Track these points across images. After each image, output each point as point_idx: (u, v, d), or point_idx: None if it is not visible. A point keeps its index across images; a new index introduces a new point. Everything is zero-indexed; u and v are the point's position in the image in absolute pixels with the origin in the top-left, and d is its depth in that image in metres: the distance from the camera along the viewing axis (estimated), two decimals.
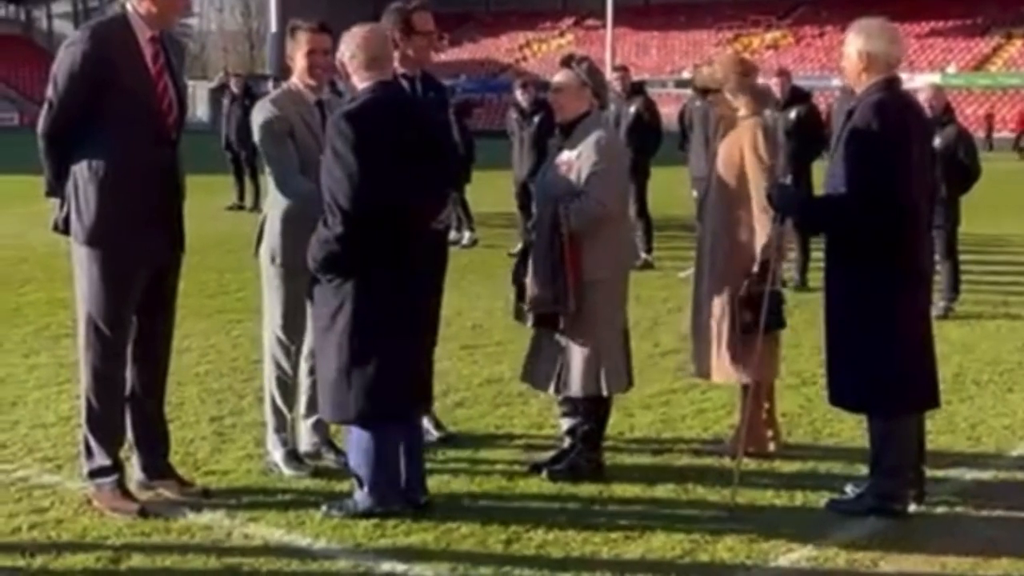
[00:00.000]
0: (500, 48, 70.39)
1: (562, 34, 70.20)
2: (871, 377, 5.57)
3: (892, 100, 5.57)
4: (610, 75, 14.92)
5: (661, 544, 5.19)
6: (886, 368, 5.52)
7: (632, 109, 13.64)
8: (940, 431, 6.98)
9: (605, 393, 5.97)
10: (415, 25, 6.18)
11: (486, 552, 5.09)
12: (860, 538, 5.30)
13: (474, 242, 15.21)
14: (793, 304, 11.14)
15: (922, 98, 11.01)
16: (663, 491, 5.86)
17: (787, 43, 62.89)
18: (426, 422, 6.45)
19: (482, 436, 6.75)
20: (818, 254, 12.24)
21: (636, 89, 14.16)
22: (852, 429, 6.99)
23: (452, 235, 15.30)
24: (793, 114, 11.96)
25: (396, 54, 6.05)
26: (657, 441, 6.69)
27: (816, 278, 11.99)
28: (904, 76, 6.12)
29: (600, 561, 5.02)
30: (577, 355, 5.90)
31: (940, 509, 5.76)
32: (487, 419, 7.10)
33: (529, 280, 5.90)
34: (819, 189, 12.00)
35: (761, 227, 6.18)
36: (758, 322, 6.00)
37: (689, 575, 4.89)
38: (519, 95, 15.33)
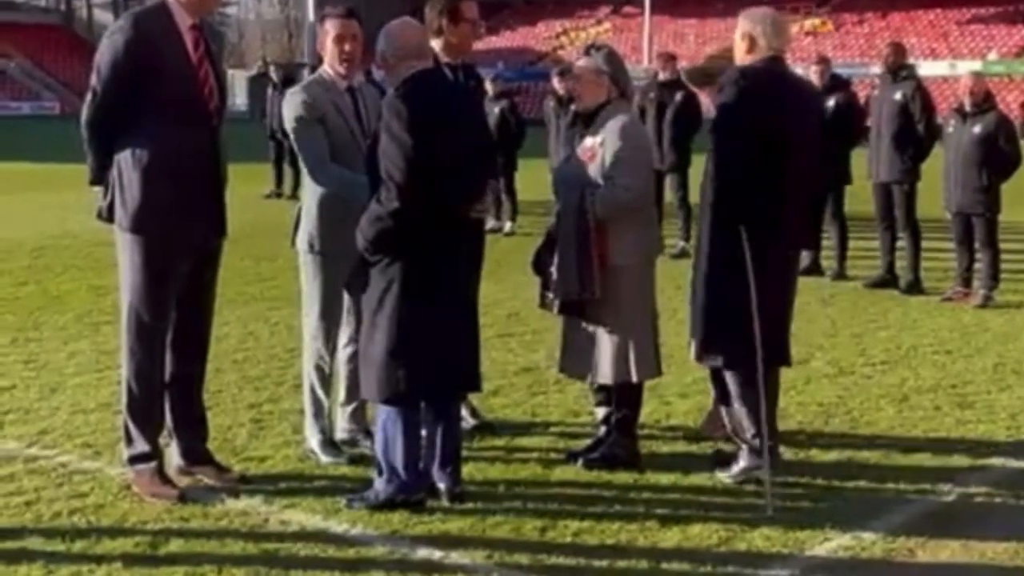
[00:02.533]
0: (537, 36, 70.28)
1: (599, 22, 70.02)
2: (730, 336, 5.69)
3: (758, 72, 5.75)
4: (653, 63, 14.89)
5: (698, 532, 5.18)
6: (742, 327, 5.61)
7: (677, 97, 13.61)
8: (979, 420, 6.94)
9: (635, 379, 5.95)
10: (462, 13, 6.17)
11: (522, 539, 5.10)
12: (897, 527, 5.28)
13: (512, 232, 15.21)
14: (830, 293, 11.16)
15: (962, 85, 10.96)
16: (700, 479, 5.85)
17: (826, 30, 62.39)
18: (462, 410, 6.48)
19: (518, 424, 6.76)
20: (856, 243, 12.26)
21: (677, 78, 14.10)
22: (890, 418, 6.96)
23: (492, 223, 15.34)
24: (832, 102, 11.89)
25: (439, 42, 6.08)
26: (694, 429, 6.67)
27: (854, 267, 11.99)
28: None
29: (636, 549, 5.02)
30: (605, 342, 5.89)
31: (978, 498, 5.73)
32: (523, 407, 7.11)
33: (555, 268, 5.89)
34: (859, 176, 11.98)
35: None
36: None
37: (726, 563, 4.88)
38: (556, 83, 15.31)
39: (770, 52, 5.82)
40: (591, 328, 5.92)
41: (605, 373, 5.92)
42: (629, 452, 6.02)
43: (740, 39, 5.89)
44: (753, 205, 5.63)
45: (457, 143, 5.34)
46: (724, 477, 5.83)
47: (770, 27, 5.85)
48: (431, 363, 5.35)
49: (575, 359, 6.04)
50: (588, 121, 6.01)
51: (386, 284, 5.33)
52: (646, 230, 6.05)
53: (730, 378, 5.81)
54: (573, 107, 6.35)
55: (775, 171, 5.68)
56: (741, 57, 5.90)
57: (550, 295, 5.98)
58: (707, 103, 15.81)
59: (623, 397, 6.00)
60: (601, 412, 6.13)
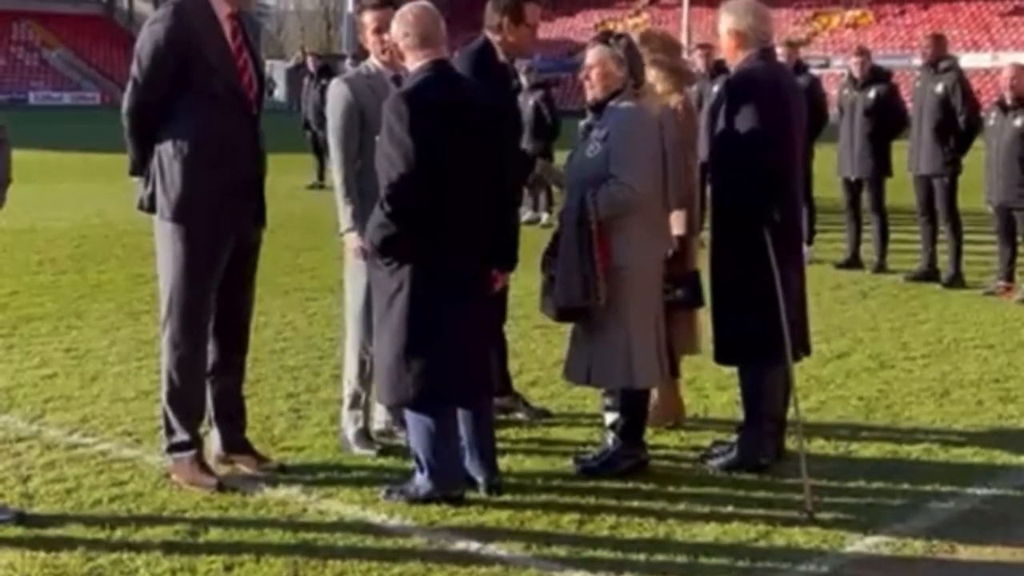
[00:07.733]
0: (575, 28, 70.09)
1: (638, 13, 69.76)
2: (748, 331, 5.74)
3: (765, 68, 5.79)
4: (691, 54, 14.80)
5: (736, 527, 5.15)
6: (762, 322, 5.63)
7: (715, 89, 13.48)
8: (1023, 415, 6.87)
9: (637, 385, 5.74)
10: (525, 16, 6.22)
11: (560, 532, 5.09)
12: (939, 524, 5.23)
13: (549, 224, 15.17)
14: (870, 286, 11.08)
15: (1003, 78, 10.85)
16: (740, 474, 5.80)
17: (867, 22, 62.00)
18: (509, 401, 6.54)
19: (555, 416, 6.74)
20: (896, 236, 12.17)
21: (720, 68, 14.00)
22: (931, 413, 6.91)
23: (529, 215, 15.29)
24: (872, 93, 11.82)
25: (497, 38, 6.15)
26: (733, 422, 6.61)
27: (894, 261, 11.90)
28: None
29: (674, 543, 5.00)
30: (608, 346, 5.65)
31: (1022, 495, 5.66)
32: (560, 399, 7.09)
33: (557, 273, 5.61)
34: (900, 168, 11.86)
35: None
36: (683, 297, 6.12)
37: (764, 558, 4.85)
38: None
39: (760, 45, 5.79)
40: (592, 330, 5.68)
41: (606, 377, 5.76)
42: (636, 460, 5.80)
43: (728, 35, 5.81)
44: (777, 207, 5.64)
45: (464, 145, 5.21)
46: (709, 466, 5.87)
47: (756, 18, 5.83)
48: (440, 369, 5.26)
49: (575, 364, 5.82)
50: (598, 112, 5.73)
51: (396, 287, 5.25)
52: (653, 229, 5.74)
53: (747, 376, 5.86)
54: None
55: (790, 170, 5.76)
56: (732, 53, 5.83)
57: (550, 300, 5.70)
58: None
59: (626, 404, 5.79)
60: (609, 418, 5.95)
